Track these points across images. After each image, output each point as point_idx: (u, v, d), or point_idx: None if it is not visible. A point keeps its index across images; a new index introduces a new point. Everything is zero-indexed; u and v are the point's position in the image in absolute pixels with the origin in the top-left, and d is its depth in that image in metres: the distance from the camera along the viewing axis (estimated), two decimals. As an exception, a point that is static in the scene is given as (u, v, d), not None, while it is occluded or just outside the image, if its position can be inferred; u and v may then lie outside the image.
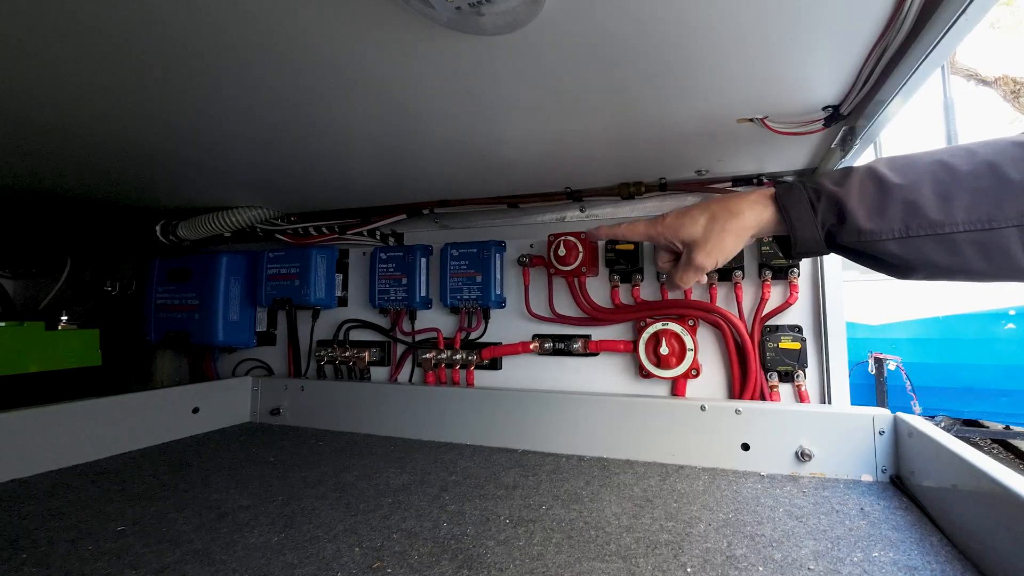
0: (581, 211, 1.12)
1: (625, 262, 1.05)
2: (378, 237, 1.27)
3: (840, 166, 0.81)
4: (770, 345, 0.95)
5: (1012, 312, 3.27)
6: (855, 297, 3.33)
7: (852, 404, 0.90)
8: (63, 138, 0.79)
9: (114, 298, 1.54)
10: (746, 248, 0.98)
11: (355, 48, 0.52)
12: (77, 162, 0.90)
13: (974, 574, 0.53)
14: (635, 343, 1.01)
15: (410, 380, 1.24)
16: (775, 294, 0.96)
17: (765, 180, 0.96)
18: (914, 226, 0.48)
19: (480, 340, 1.18)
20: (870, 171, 0.51)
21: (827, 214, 0.51)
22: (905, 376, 3.33)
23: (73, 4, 0.45)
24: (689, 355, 0.97)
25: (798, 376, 0.93)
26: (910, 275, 0.53)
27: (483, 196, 1.14)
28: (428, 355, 1.17)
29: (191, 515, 0.71)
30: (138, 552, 0.61)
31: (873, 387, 3.26)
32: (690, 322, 0.99)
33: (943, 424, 3.47)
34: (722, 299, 0.99)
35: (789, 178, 0.97)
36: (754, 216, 0.55)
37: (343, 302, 1.32)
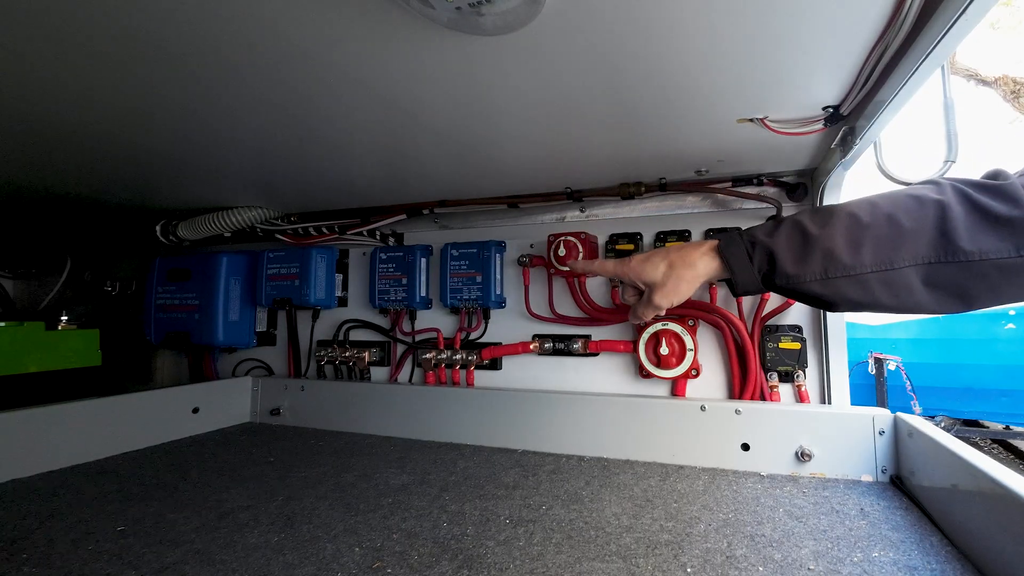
0: (581, 211, 1.12)
1: (625, 262, 1.05)
2: (378, 237, 1.27)
3: (840, 166, 0.81)
4: (770, 345, 0.95)
5: (1012, 312, 3.27)
6: (855, 297, 3.33)
7: (852, 404, 0.90)
8: (64, 139, 0.79)
9: (114, 298, 1.54)
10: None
11: (355, 48, 0.52)
12: (78, 162, 0.90)
13: (974, 574, 0.53)
14: (635, 343, 1.01)
15: (410, 380, 1.24)
16: (775, 294, 0.96)
17: (765, 180, 0.97)
18: (831, 269, 0.58)
19: (480, 340, 1.18)
20: (795, 223, 0.61)
21: (761, 262, 0.62)
22: (905, 376, 3.33)
23: (73, 7, 0.45)
24: (689, 355, 0.97)
25: (798, 376, 0.93)
26: (834, 309, 0.64)
27: (483, 196, 1.14)
28: (428, 355, 1.17)
29: (191, 515, 0.71)
30: (138, 552, 0.61)
31: (873, 387, 3.26)
32: (690, 322, 0.99)
33: (943, 424, 3.47)
34: (722, 299, 0.99)
35: (789, 178, 0.97)
36: (704, 266, 0.66)
37: (343, 302, 1.32)
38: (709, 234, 1.00)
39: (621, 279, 0.72)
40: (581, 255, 1.04)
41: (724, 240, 0.65)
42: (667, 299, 0.69)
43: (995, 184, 0.55)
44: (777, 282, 0.62)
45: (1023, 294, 0.55)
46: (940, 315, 0.62)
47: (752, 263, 0.63)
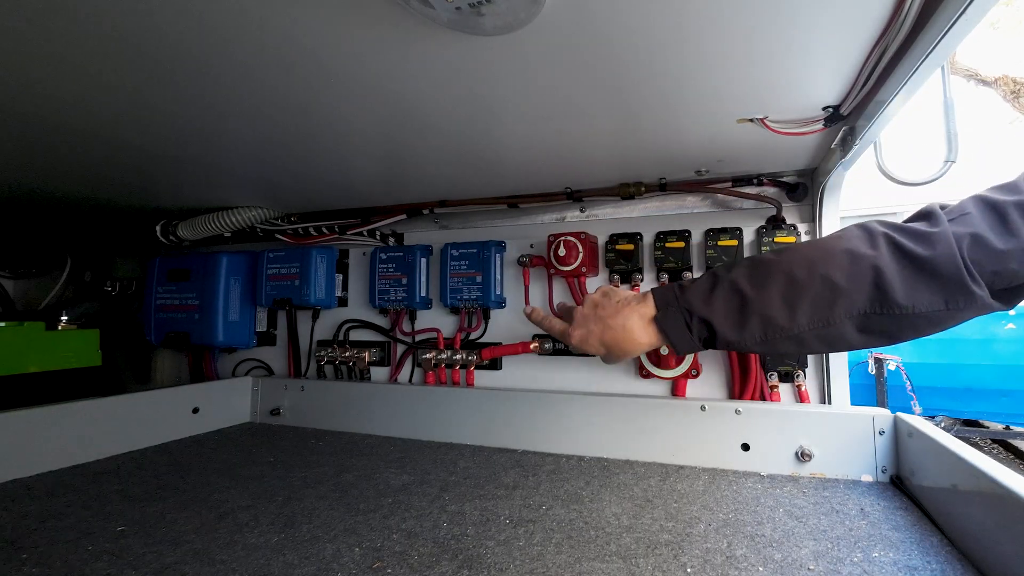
0: (581, 211, 1.12)
1: (625, 262, 1.05)
2: (378, 237, 1.27)
3: (840, 166, 0.81)
4: (770, 345, 0.94)
5: (1012, 312, 3.27)
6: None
7: (852, 404, 0.90)
8: (64, 139, 0.78)
9: (114, 298, 1.54)
10: (747, 248, 0.99)
11: (355, 48, 0.52)
12: (78, 162, 0.90)
13: (974, 574, 0.53)
14: (635, 343, 1.01)
15: (410, 380, 1.24)
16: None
17: (765, 180, 0.97)
18: (770, 333, 0.60)
19: (480, 340, 1.18)
20: (733, 285, 0.62)
21: (700, 331, 0.64)
22: (905, 376, 3.33)
23: (75, 6, 0.45)
24: (689, 355, 0.97)
25: (798, 376, 0.93)
26: (771, 357, 0.72)
27: (483, 196, 1.14)
28: (428, 355, 1.17)
29: (191, 515, 0.71)
30: (138, 552, 0.61)
31: (873, 387, 3.26)
32: (690, 322, 0.99)
33: (943, 424, 3.47)
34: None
35: (789, 178, 0.97)
36: (642, 347, 0.68)
37: (343, 302, 1.32)
38: (709, 234, 1.00)
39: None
40: (581, 255, 1.04)
41: (661, 311, 0.66)
42: (612, 363, 0.74)
43: (925, 232, 0.56)
44: (718, 347, 0.65)
45: (942, 330, 0.59)
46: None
47: (691, 333, 0.64)
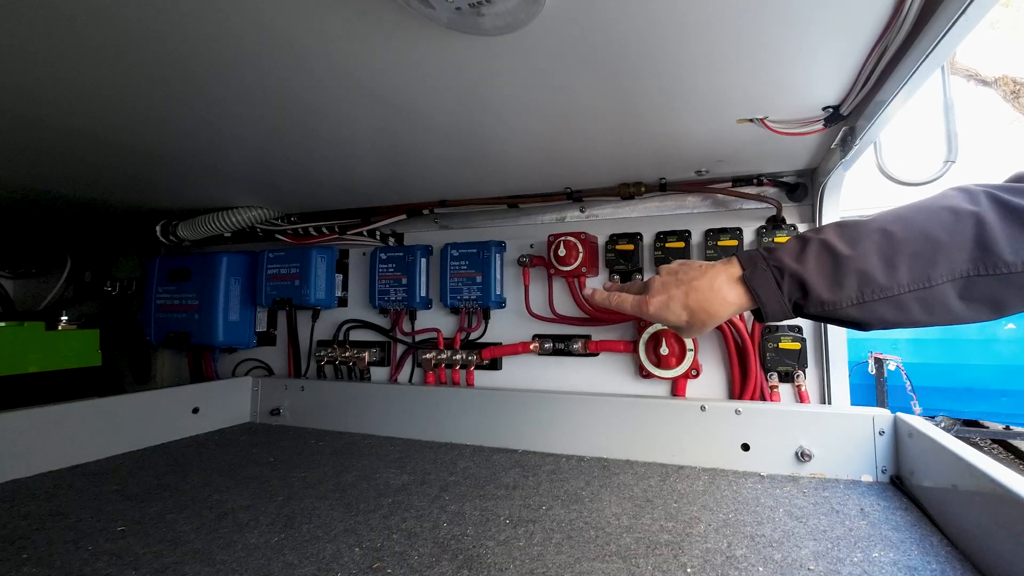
0: (581, 211, 1.12)
1: (625, 262, 1.05)
2: (378, 237, 1.27)
3: (840, 167, 0.81)
4: (770, 345, 0.95)
5: (1012, 313, 3.26)
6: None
7: (852, 404, 0.90)
8: (65, 139, 0.79)
9: (114, 298, 1.54)
10: (747, 248, 0.99)
11: (355, 49, 0.52)
12: (78, 163, 0.90)
13: (974, 574, 0.53)
14: (635, 343, 1.01)
15: (410, 380, 1.24)
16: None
17: (765, 180, 0.97)
18: (867, 292, 0.55)
19: (480, 340, 1.18)
20: (824, 244, 0.57)
21: (792, 290, 0.58)
22: (905, 376, 3.33)
23: (76, 9, 0.45)
24: (689, 355, 0.97)
25: (798, 376, 0.93)
26: (866, 329, 0.60)
27: (483, 196, 1.14)
28: (428, 355, 1.17)
29: (191, 515, 0.71)
30: (138, 552, 0.61)
31: (873, 387, 3.26)
32: (690, 322, 0.99)
33: (943, 424, 3.47)
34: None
35: (789, 178, 0.97)
36: (730, 308, 0.62)
37: (343, 302, 1.32)
38: (709, 235, 1.00)
39: (643, 318, 0.69)
40: (581, 255, 1.04)
41: (748, 268, 0.60)
42: (691, 336, 0.67)
43: None
44: (810, 310, 0.58)
45: None
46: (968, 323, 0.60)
47: (782, 291, 0.58)
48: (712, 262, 0.65)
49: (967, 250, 0.52)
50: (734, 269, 0.62)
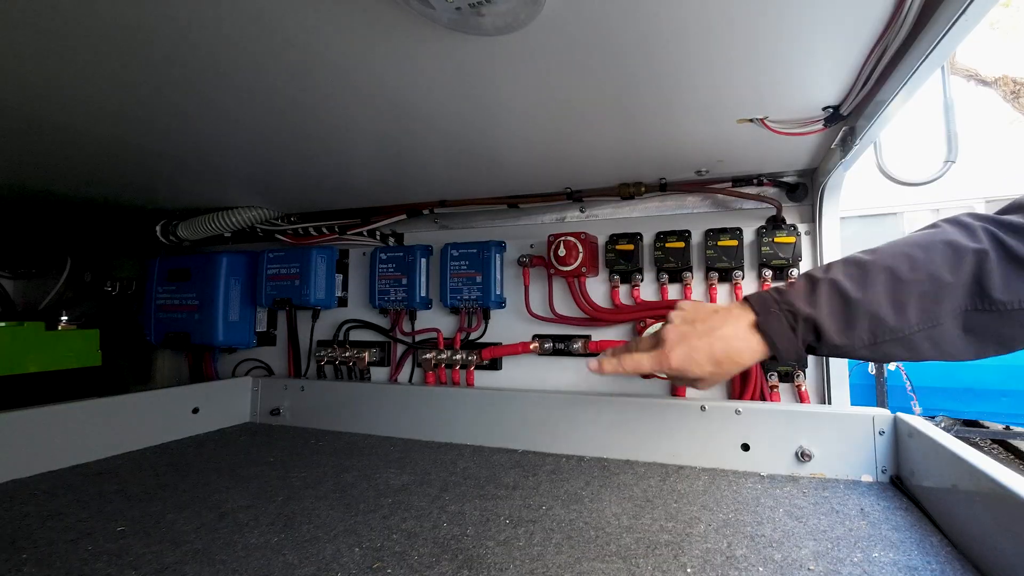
0: (581, 211, 1.12)
1: (625, 262, 1.05)
2: (378, 237, 1.27)
3: (840, 166, 0.81)
4: (770, 345, 0.94)
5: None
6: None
7: (852, 404, 0.90)
8: (65, 140, 0.79)
9: (114, 298, 1.54)
10: (747, 248, 0.99)
11: (355, 49, 0.52)
12: (78, 163, 0.90)
13: (974, 574, 0.53)
14: (635, 343, 1.01)
15: (410, 380, 1.24)
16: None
17: (765, 180, 0.97)
18: (879, 335, 0.55)
19: (480, 340, 1.18)
20: (834, 286, 0.57)
21: (806, 334, 0.58)
22: (905, 376, 3.33)
23: (76, 9, 0.45)
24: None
25: (798, 376, 0.93)
26: (874, 363, 0.58)
27: (483, 196, 1.14)
28: (428, 355, 1.17)
29: (191, 515, 0.71)
30: (138, 552, 0.61)
31: (873, 387, 3.25)
32: (690, 322, 0.99)
33: (943, 424, 3.47)
34: (723, 299, 0.99)
35: (789, 178, 0.97)
36: (749, 355, 0.60)
37: (343, 302, 1.32)
38: (709, 235, 1.00)
39: (660, 374, 0.66)
40: (581, 255, 1.04)
41: (762, 315, 0.60)
42: (710, 387, 0.66)
43: (1021, 224, 0.52)
44: (822, 352, 0.59)
45: None
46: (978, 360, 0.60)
47: (796, 336, 0.58)
48: (726, 307, 0.64)
49: (967, 287, 0.53)
50: (748, 314, 0.61)
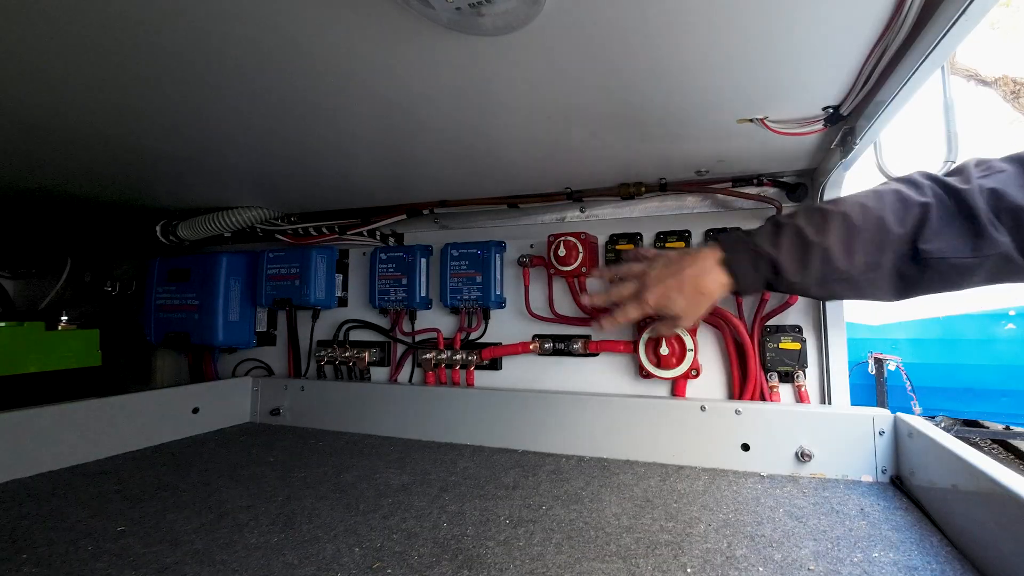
0: (581, 211, 1.12)
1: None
2: (378, 237, 1.27)
3: (840, 167, 0.81)
4: (770, 345, 0.95)
5: (1012, 312, 3.27)
6: (855, 297, 3.33)
7: (852, 404, 0.90)
8: (64, 139, 0.79)
9: (114, 298, 1.54)
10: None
11: (355, 49, 0.52)
12: (78, 162, 0.90)
13: (974, 574, 0.53)
14: (635, 343, 1.01)
15: (410, 380, 1.23)
16: (775, 294, 0.96)
17: (765, 180, 0.96)
18: (828, 273, 0.64)
19: (480, 340, 1.18)
20: (796, 230, 0.65)
21: (766, 271, 0.67)
22: (905, 376, 3.33)
23: (76, 9, 0.45)
24: (689, 355, 0.97)
25: (798, 376, 0.93)
26: (822, 300, 0.80)
27: (483, 196, 1.14)
28: (428, 355, 1.17)
29: (191, 515, 0.71)
30: (138, 552, 0.61)
31: (873, 387, 3.26)
32: (690, 322, 0.99)
33: (943, 424, 3.47)
34: (722, 299, 0.99)
35: (789, 178, 0.97)
36: (719, 290, 0.70)
37: (343, 302, 1.32)
38: (709, 235, 1.00)
39: (646, 315, 0.76)
40: (581, 255, 1.04)
41: (729, 253, 0.69)
42: (690, 322, 0.75)
43: (956, 185, 0.60)
44: (779, 288, 0.68)
45: (975, 286, 0.61)
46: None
47: (757, 272, 0.67)
48: (696, 248, 0.74)
49: (908, 237, 0.60)
50: (717, 252, 0.70)
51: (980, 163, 0.62)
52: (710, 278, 0.70)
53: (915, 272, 0.61)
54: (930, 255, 0.59)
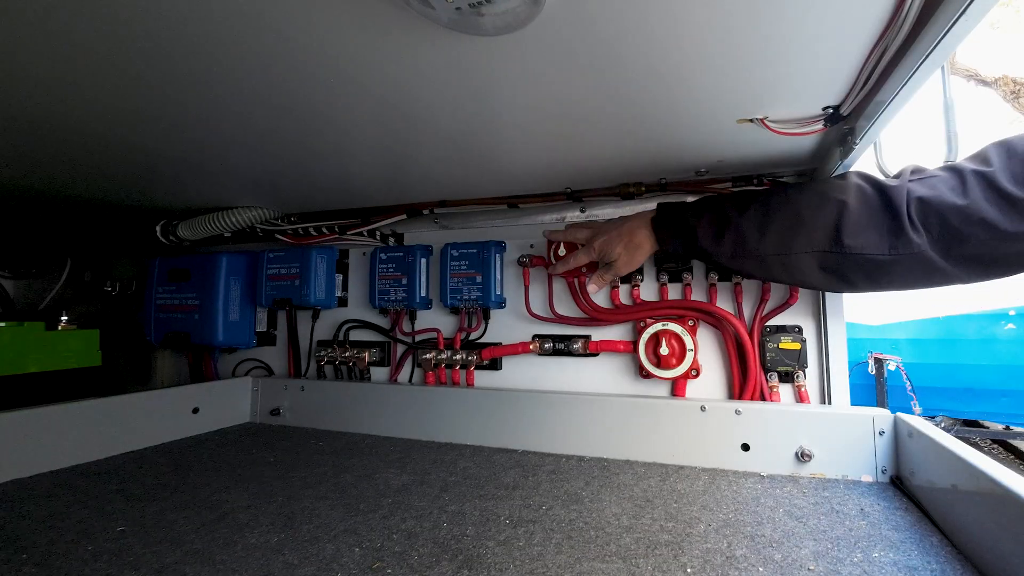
0: (581, 211, 1.12)
1: (625, 262, 1.05)
2: (378, 237, 1.27)
3: (840, 167, 0.81)
4: (770, 345, 0.95)
5: (1012, 312, 3.28)
6: (855, 297, 3.33)
7: (852, 404, 0.90)
8: (64, 139, 0.79)
9: (114, 298, 1.54)
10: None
11: (355, 49, 0.52)
12: (77, 162, 0.90)
13: (974, 574, 0.53)
14: (635, 343, 1.01)
15: (410, 380, 1.23)
16: (775, 294, 0.96)
17: (765, 180, 0.96)
18: (738, 250, 0.73)
19: (480, 340, 1.18)
20: (720, 206, 0.76)
21: (685, 236, 0.79)
22: (905, 376, 3.33)
23: (75, 8, 0.45)
24: (689, 355, 0.97)
25: (798, 376, 0.93)
26: (734, 276, 0.92)
27: (483, 196, 1.14)
28: (428, 355, 1.17)
29: (191, 515, 0.71)
30: (138, 552, 0.61)
31: (873, 387, 3.26)
32: (690, 322, 0.99)
33: (943, 424, 3.47)
34: (722, 299, 0.99)
35: (788, 178, 0.97)
36: (649, 244, 0.86)
37: (343, 302, 1.32)
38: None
39: (592, 259, 0.94)
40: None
41: (658, 217, 0.83)
42: (626, 270, 0.90)
43: (885, 184, 0.65)
44: (694, 255, 0.81)
45: (898, 286, 0.67)
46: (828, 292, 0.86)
47: (676, 238, 0.80)
48: (641, 211, 0.90)
49: (827, 231, 0.67)
50: (650, 214, 0.85)
51: (917, 170, 0.66)
52: (641, 234, 0.84)
53: (835, 263, 0.67)
54: (850, 249, 0.65)
